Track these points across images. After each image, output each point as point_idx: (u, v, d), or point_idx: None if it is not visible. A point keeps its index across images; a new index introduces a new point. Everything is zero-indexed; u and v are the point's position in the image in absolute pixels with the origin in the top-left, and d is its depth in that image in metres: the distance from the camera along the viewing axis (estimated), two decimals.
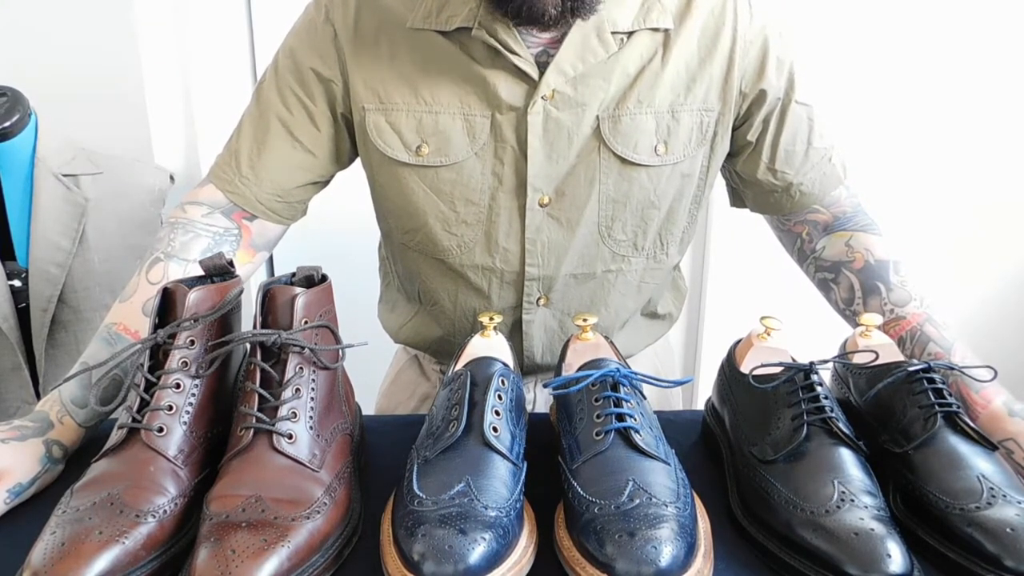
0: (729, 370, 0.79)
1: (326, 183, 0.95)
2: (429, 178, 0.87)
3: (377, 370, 1.17)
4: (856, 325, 0.83)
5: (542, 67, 0.82)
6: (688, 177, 0.89)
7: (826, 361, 0.74)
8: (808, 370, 0.70)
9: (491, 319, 0.77)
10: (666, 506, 0.58)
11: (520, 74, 0.82)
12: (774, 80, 0.87)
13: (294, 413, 0.64)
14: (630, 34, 0.83)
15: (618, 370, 0.68)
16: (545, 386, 0.70)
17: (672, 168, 0.87)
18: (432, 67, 0.84)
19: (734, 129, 0.90)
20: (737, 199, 1.00)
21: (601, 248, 0.90)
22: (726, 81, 0.86)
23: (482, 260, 0.89)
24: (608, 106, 0.84)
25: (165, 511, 0.59)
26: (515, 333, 0.95)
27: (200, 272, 0.75)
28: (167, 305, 0.69)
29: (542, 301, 0.92)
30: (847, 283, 0.90)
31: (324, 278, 0.73)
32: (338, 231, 1.53)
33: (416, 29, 0.84)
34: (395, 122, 0.86)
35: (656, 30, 0.84)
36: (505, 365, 0.70)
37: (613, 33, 0.82)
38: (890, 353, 0.77)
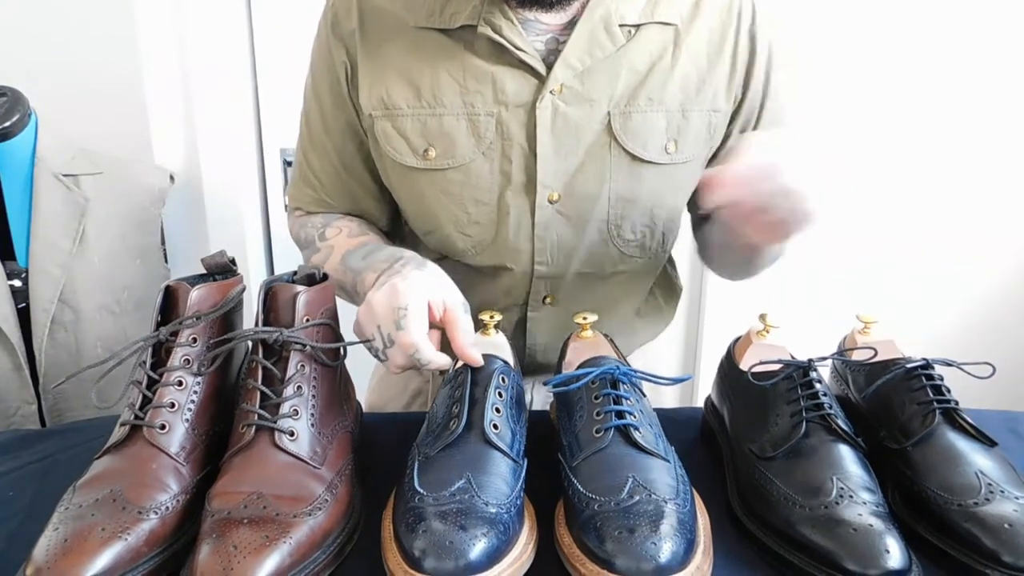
0: (728, 367, 0.79)
1: None
2: (438, 181, 0.87)
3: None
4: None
5: (548, 63, 0.82)
6: (691, 177, 0.90)
7: (825, 358, 0.74)
8: (807, 367, 0.71)
9: (491, 317, 0.78)
10: (666, 503, 0.58)
11: (527, 69, 0.82)
12: (760, 87, 0.88)
13: (295, 410, 0.64)
14: (638, 27, 0.83)
15: (618, 367, 0.68)
16: (545, 384, 0.70)
17: (682, 167, 0.87)
18: (435, 67, 0.84)
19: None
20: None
21: (609, 248, 0.90)
22: (730, 84, 0.86)
23: (494, 260, 0.89)
24: (619, 102, 0.84)
25: (167, 508, 0.59)
26: (518, 331, 0.95)
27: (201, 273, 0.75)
28: (169, 303, 0.69)
29: (548, 300, 0.92)
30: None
31: (325, 276, 0.73)
32: None
33: (420, 28, 0.84)
34: (401, 127, 0.86)
35: (665, 24, 0.84)
36: (505, 363, 0.70)
37: (621, 26, 0.82)
38: (888, 350, 0.77)
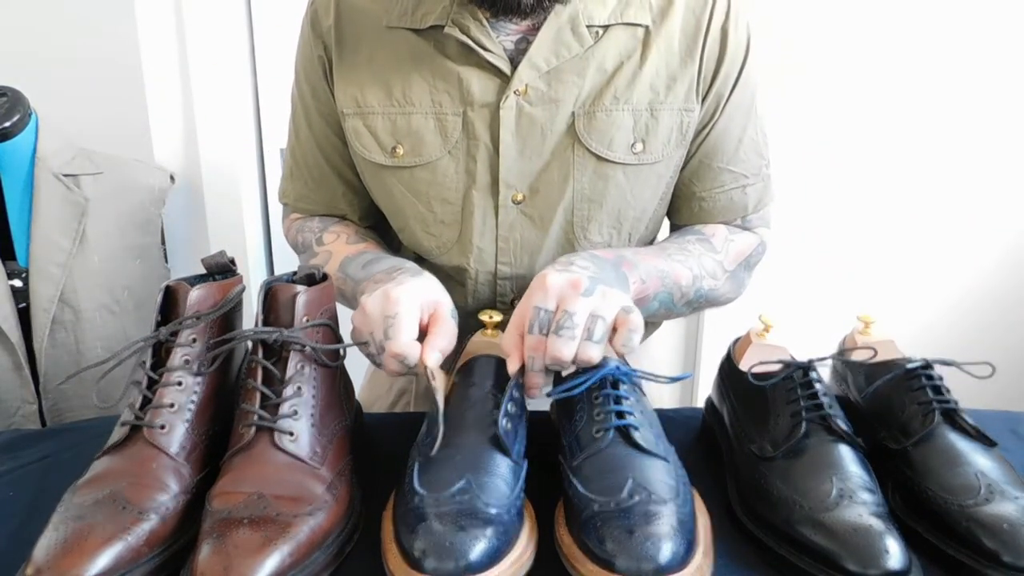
0: (728, 367, 0.79)
1: None
2: (406, 179, 0.87)
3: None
4: None
5: (516, 63, 0.82)
6: (662, 179, 0.89)
7: (825, 358, 0.74)
8: (807, 367, 0.71)
9: (491, 317, 0.78)
10: (666, 503, 0.58)
11: (493, 70, 0.82)
12: (723, 88, 0.86)
13: (295, 411, 0.64)
14: (606, 28, 0.83)
15: (618, 367, 0.68)
16: (548, 395, 0.70)
17: (650, 168, 0.86)
18: (406, 66, 0.84)
19: None
20: None
21: (576, 249, 0.88)
22: (699, 81, 0.85)
23: (459, 260, 0.89)
24: (584, 102, 0.83)
25: (167, 508, 0.59)
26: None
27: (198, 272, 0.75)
28: (169, 303, 0.69)
29: (516, 302, 0.92)
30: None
31: (325, 276, 0.73)
32: None
33: (391, 28, 0.85)
34: (371, 125, 0.86)
35: (634, 25, 0.83)
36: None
37: (588, 27, 0.82)
38: (888, 350, 0.77)
